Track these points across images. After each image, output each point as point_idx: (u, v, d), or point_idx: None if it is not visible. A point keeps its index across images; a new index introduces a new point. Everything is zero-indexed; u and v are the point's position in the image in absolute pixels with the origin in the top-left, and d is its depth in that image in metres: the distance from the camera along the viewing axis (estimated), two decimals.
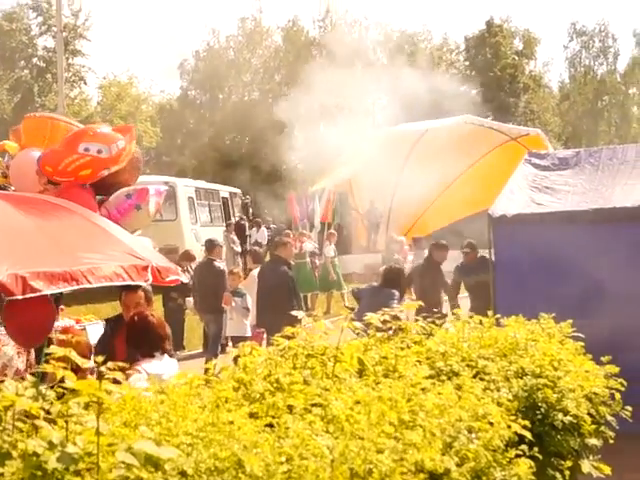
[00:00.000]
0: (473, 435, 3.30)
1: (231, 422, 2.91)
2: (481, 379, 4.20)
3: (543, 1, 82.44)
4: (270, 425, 3.07)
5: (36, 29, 52.96)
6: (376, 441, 2.85)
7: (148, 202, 9.49)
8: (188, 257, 15.54)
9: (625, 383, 4.91)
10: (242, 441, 2.76)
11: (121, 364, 2.80)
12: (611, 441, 4.78)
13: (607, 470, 4.54)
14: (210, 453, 2.69)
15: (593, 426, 4.53)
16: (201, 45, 53.23)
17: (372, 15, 65.62)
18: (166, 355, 5.69)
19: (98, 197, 8.58)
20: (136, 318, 5.66)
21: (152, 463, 2.43)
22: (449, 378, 4.18)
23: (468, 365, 4.32)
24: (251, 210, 31.44)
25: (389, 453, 2.78)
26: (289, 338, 4.11)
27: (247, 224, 28.95)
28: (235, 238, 25.63)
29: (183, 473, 2.56)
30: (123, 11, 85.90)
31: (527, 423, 3.51)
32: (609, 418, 4.80)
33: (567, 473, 4.26)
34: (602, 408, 4.74)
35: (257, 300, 10.91)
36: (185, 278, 5.61)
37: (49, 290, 4.66)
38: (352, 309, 18.76)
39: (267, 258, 15.37)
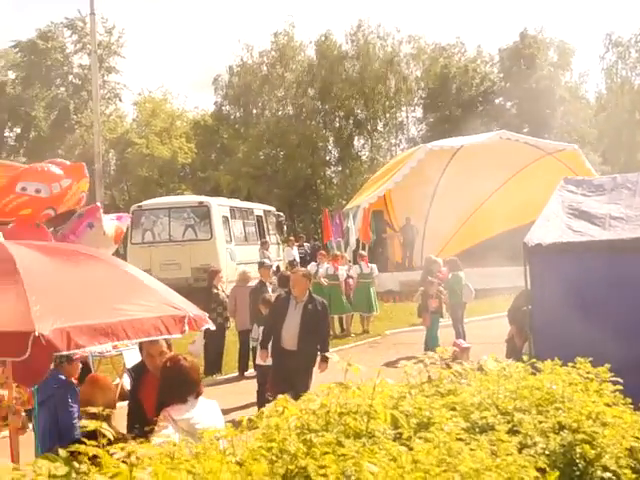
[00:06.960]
0: None
1: None
2: (517, 431, 4.13)
3: (577, 12, 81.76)
4: None
5: (71, 47, 54.08)
6: None
7: (100, 219, 9.49)
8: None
9: None
10: None
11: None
12: None
13: None
14: None
15: (634, 476, 4.43)
16: (235, 60, 53.40)
17: (404, 28, 64.70)
18: (200, 398, 5.57)
19: None
20: (169, 364, 5.52)
21: None
22: (484, 431, 4.12)
23: (503, 416, 4.25)
24: (285, 227, 31.47)
25: None
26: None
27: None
28: (271, 256, 25.72)
29: None
30: (156, 27, 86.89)
31: None
32: None
33: None
34: None
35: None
36: (212, 325, 5.56)
37: (91, 346, 4.66)
38: None
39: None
